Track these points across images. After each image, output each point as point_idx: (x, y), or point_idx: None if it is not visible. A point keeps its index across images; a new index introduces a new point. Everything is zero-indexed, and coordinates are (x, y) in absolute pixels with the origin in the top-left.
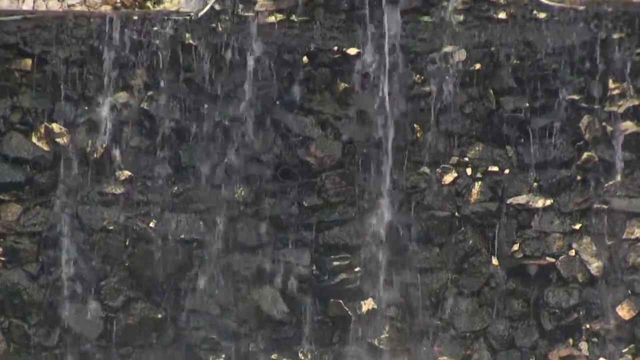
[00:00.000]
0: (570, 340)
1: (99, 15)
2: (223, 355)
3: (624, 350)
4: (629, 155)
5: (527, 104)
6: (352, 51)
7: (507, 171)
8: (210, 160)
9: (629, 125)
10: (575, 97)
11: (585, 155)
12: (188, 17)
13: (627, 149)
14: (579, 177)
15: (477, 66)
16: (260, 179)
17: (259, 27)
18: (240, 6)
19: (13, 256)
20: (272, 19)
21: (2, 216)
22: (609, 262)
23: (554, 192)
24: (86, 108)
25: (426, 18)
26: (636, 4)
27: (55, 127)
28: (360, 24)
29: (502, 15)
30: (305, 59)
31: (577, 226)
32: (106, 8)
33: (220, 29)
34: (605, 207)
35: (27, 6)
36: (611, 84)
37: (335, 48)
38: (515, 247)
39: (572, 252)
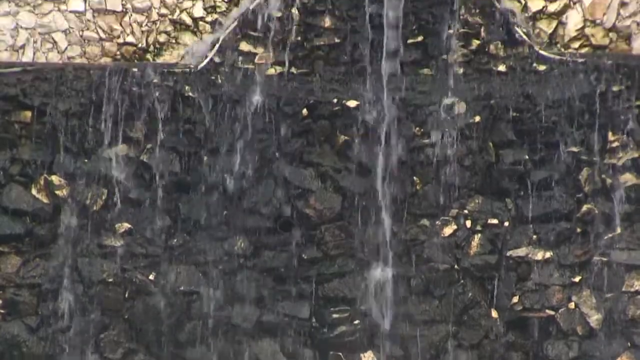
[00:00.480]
0: None
1: (98, 67)
2: None
3: None
4: (628, 207)
5: (527, 157)
6: (352, 103)
7: (506, 224)
8: (209, 212)
9: (628, 178)
10: (575, 149)
11: (584, 207)
12: (188, 70)
13: (626, 201)
14: (578, 230)
15: (477, 119)
16: (259, 232)
17: (259, 79)
18: (240, 58)
19: (13, 308)
20: (271, 71)
21: (2, 268)
22: (608, 314)
23: (553, 244)
24: (86, 160)
25: (426, 70)
26: (635, 56)
27: (55, 179)
28: (360, 77)
29: (501, 67)
30: (305, 111)
31: (577, 279)
32: (106, 60)
33: (220, 81)
34: (605, 259)
35: (26, 58)
36: (611, 136)
37: (335, 100)
38: (515, 299)
39: (572, 305)
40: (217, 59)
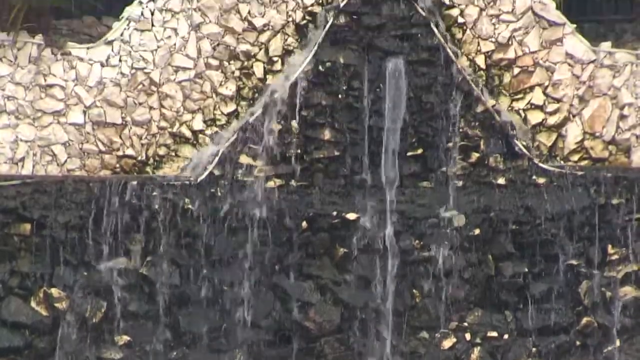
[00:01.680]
0: None
1: (98, 180)
2: None
3: None
4: (628, 320)
5: (526, 269)
6: (352, 216)
7: (506, 336)
8: (209, 325)
9: (628, 291)
10: (575, 262)
11: (584, 320)
12: (187, 182)
13: (626, 314)
14: (578, 343)
15: (477, 231)
16: (259, 344)
17: (258, 192)
18: (240, 171)
19: None
20: (271, 184)
21: None
22: None
23: (553, 357)
24: (85, 273)
25: (425, 183)
26: (635, 169)
27: (55, 291)
28: (359, 189)
29: (501, 180)
30: (304, 223)
31: None
32: (105, 173)
33: (219, 194)
34: None
35: (26, 171)
36: (610, 249)
37: (335, 213)
38: None
39: None
40: (216, 172)
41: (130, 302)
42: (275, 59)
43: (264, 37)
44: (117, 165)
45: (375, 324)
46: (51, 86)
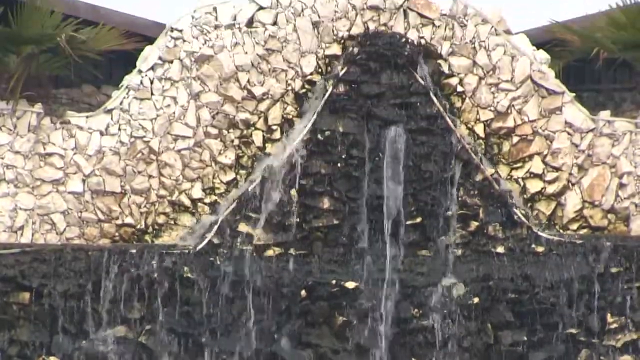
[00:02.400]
0: None
1: (97, 248)
2: None
3: None
4: None
5: (525, 338)
6: (351, 285)
7: None
8: None
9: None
10: (574, 330)
11: None
12: (186, 251)
13: None
14: None
15: (476, 300)
16: None
17: (257, 260)
18: (239, 240)
19: None
20: (270, 252)
21: None
22: None
23: None
24: (84, 342)
25: (424, 252)
26: (634, 237)
27: None
28: (358, 258)
29: (500, 249)
30: (303, 292)
31: None
32: (104, 241)
33: (218, 262)
34: None
35: (25, 239)
36: (609, 318)
37: (334, 282)
38: None
39: None
40: (215, 240)
41: None
42: (274, 127)
43: (263, 106)
44: (116, 234)
45: None
46: (50, 155)
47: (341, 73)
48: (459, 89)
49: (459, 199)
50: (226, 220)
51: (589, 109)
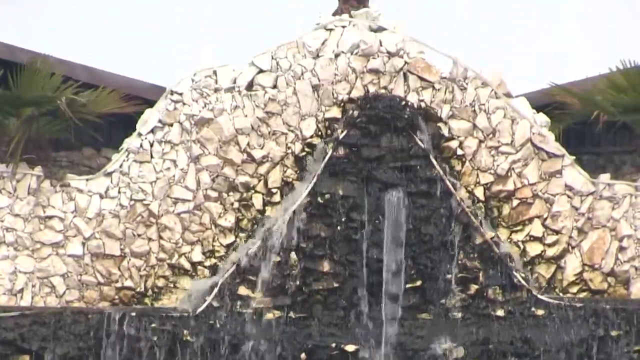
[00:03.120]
0: None
1: (97, 311)
2: None
3: None
4: None
5: None
6: (350, 348)
7: None
8: None
9: None
10: None
11: None
12: (186, 314)
13: None
14: None
15: None
16: None
17: (257, 323)
18: (238, 303)
19: None
20: (270, 315)
21: None
22: None
23: None
24: None
25: (424, 315)
26: (634, 301)
27: None
28: (358, 321)
29: (500, 312)
30: (303, 355)
31: None
32: (104, 304)
33: (218, 325)
34: None
35: (25, 302)
36: None
37: (334, 345)
38: None
39: None
40: (215, 303)
41: None
42: (274, 190)
43: (263, 169)
44: (116, 297)
45: None
46: (50, 217)
47: (341, 136)
48: (459, 152)
49: (459, 262)
50: (226, 284)
51: (589, 172)
